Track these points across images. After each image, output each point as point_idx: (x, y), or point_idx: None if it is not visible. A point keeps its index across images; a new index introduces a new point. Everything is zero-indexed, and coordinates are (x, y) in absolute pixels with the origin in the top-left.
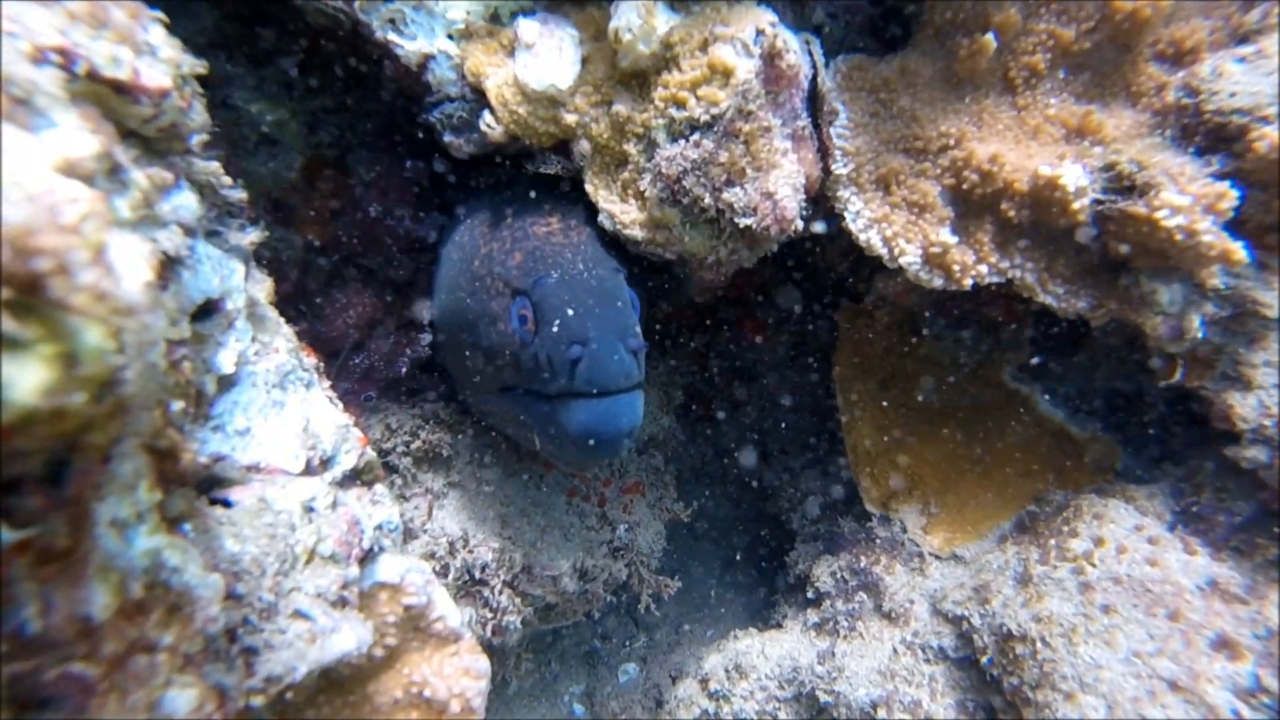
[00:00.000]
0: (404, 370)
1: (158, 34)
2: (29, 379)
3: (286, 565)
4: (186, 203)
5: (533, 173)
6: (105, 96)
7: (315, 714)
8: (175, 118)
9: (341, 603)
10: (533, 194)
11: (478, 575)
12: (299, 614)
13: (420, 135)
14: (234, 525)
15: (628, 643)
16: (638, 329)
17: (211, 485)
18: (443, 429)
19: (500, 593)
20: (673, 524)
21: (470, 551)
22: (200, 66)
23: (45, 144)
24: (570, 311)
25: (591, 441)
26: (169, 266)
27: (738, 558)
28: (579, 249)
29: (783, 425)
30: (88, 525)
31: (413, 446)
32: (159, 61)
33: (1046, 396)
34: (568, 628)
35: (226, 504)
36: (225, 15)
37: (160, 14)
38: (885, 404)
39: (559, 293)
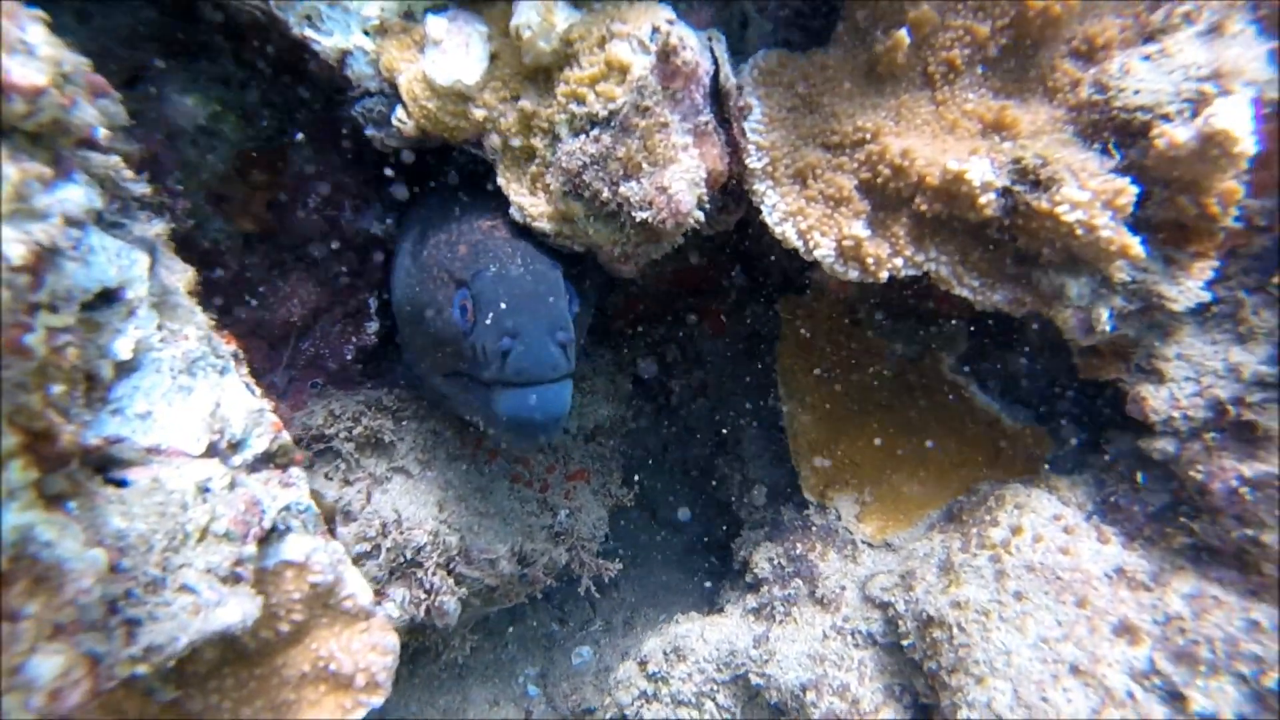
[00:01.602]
0: (350, 358)
1: (36, 33)
2: None
3: (176, 542)
4: (73, 195)
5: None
6: None
7: (218, 684)
8: (56, 114)
9: (234, 579)
10: (477, 192)
11: (410, 556)
12: (185, 588)
13: (356, 130)
14: (124, 504)
15: (584, 627)
16: (568, 323)
17: (109, 465)
18: (385, 415)
19: (434, 574)
20: (623, 510)
21: (403, 533)
22: (84, 64)
23: None
24: (503, 305)
25: (520, 427)
26: (45, 257)
27: (696, 546)
28: (517, 245)
29: (735, 415)
30: None
31: (355, 432)
32: (35, 60)
33: (981, 388)
34: (526, 612)
35: (123, 484)
36: (160, 11)
37: (40, 13)
38: (825, 394)
39: (494, 286)
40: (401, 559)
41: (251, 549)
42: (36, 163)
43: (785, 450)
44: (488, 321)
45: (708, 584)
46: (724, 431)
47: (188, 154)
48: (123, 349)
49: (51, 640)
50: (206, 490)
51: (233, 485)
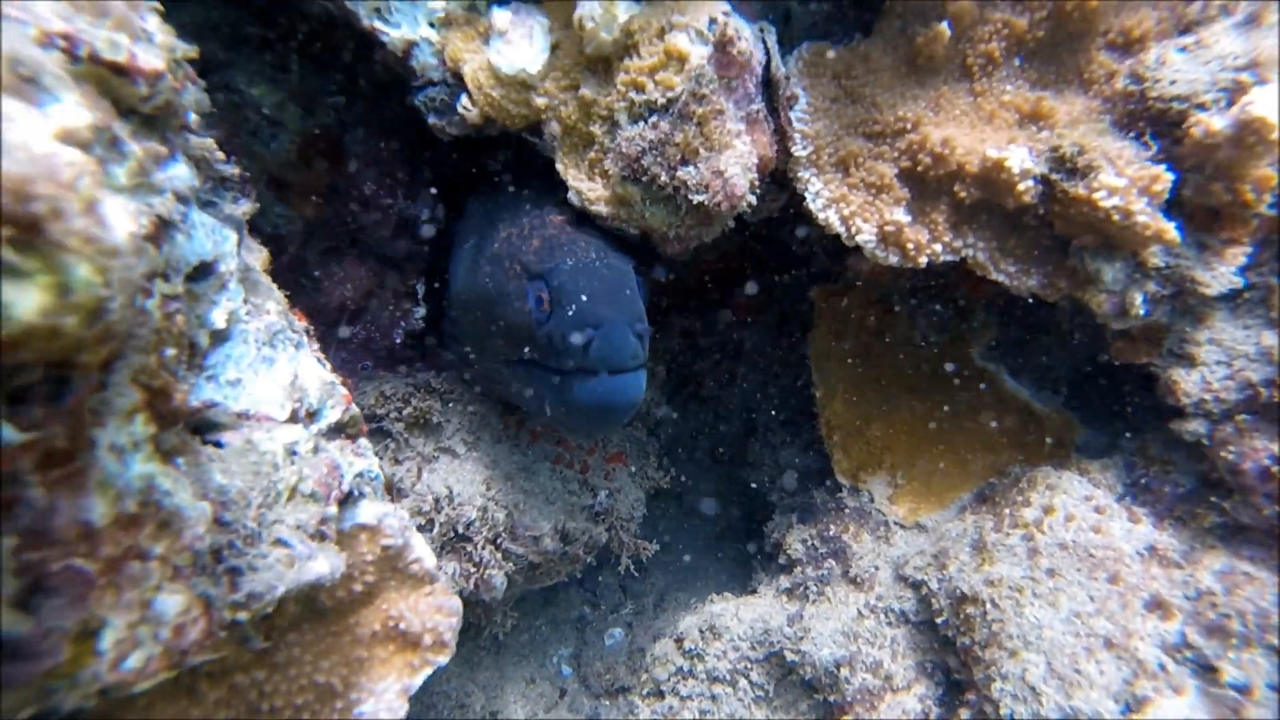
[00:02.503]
0: (399, 341)
1: (153, 21)
2: (29, 301)
3: (269, 499)
4: (181, 174)
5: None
6: (105, 77)
7: (298, 638)
8: (170, 97)
9: (320, 536)
10: (540, 185)
11: (461, 531)
12: (279, 541)
13: (414, 120)
14: (223, 462)
15: (616, 609)
16: (643, 314)
17: (205, 429)
18: (434, 397)
19: (483, 548)
20: (657, 493)
21: (455, 509)
22: (191, 51)
23: (48, 116)
24: (584, 297)
25: (600, 413)
26: (162, 228)
27: (724, 530)
28: (590, 239)
29: (767, 401)
30: (86, 440)
31: (405, 413)
32: (154, 46)
33: (1014, 374)
34: (559, 594)
35: (218, 445)
36: (228, 4)
37: (156, 4)
38: (857, 379)
39: (574, 279)
40: (452, 533)
41: (333, 509)
42: (153, 142)
43: (815, 436)
44: (570, 313)
45: (737, 566)
46: (753, 417)
47: (251, 142)
48: (218, 319)
49: (172, 581)
50: (294, 453)
51: (316, 450)
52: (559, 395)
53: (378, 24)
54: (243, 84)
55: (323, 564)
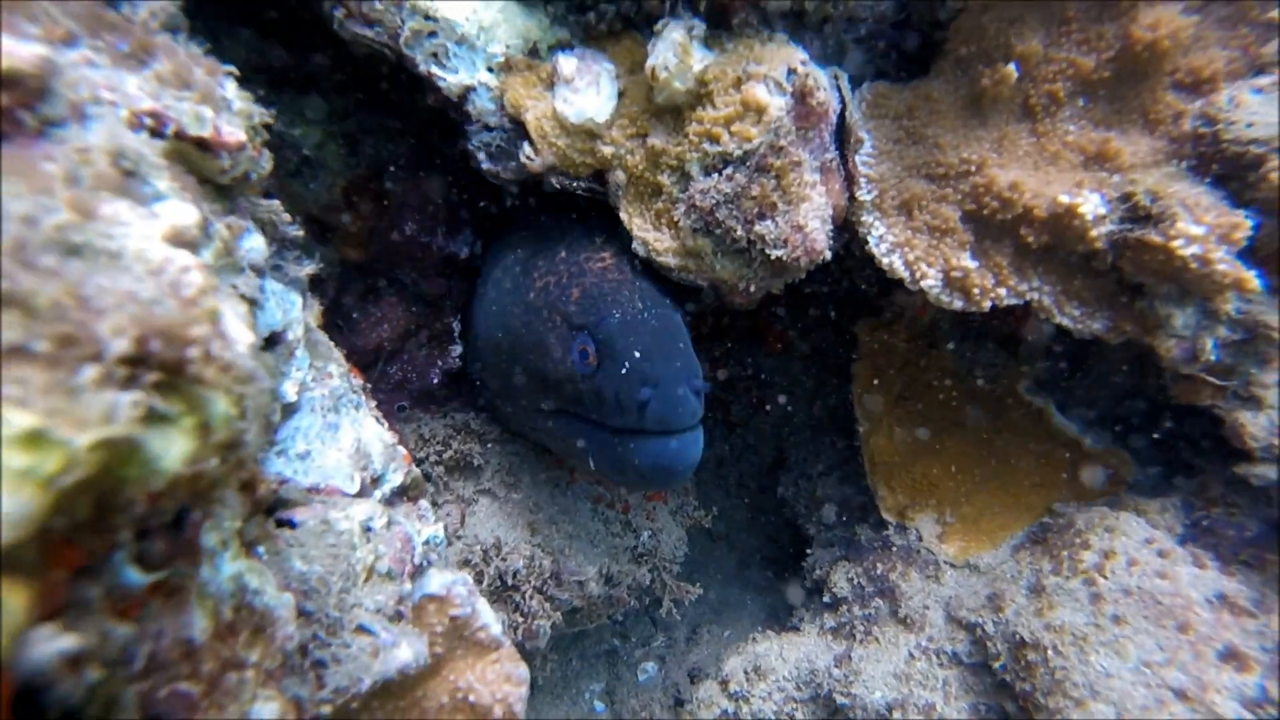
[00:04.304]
0: (436, 380)
1: (231, 88)
2: (175, 450)
3: (349, 583)
4: (256, 245)
5: (568, 192)
6: (189, 153)
7: (369, 717)
8: (248, 167)
9: (398, 616)
10: (576, 223)
11: (510, 581)
12: (362, 629)
13: (454, 158)
14: (301, 546)
15: (647, 642)
16: (699, 370)
17: (276, 507)
18: (473, 439)
19: (531, 598)
20: (697, 530)
21: (503, 559)
22: (268, 116)
23: (156, 216)
24: (637, 354)
25: (658, 475)
26: (250, 311)
27: (753, 561)
28: (635, 286)
29: (799, 433)
30: (197, 559)
31: (445, 456)
32: (234, 115)
33: (1060, 410)
34: (588, 629)
35: (291, 524)
36: (270, 42)
37: (232, 68)
38: (902, 414)
39: (625, 334)
40: (500, 583)
41: (409, 586)
42: (234, 216)
43: (853, 468)
44: (624, 371)
45: (775, 595)
46: (783, 448)
47: (290, 183)
48: (290, 392)
49: (264, 686)
50: (369, 529)
51: (389, 524)
52: (613, 454)
53: (434, 69)
54: (283, 124)
55: (406, 652)
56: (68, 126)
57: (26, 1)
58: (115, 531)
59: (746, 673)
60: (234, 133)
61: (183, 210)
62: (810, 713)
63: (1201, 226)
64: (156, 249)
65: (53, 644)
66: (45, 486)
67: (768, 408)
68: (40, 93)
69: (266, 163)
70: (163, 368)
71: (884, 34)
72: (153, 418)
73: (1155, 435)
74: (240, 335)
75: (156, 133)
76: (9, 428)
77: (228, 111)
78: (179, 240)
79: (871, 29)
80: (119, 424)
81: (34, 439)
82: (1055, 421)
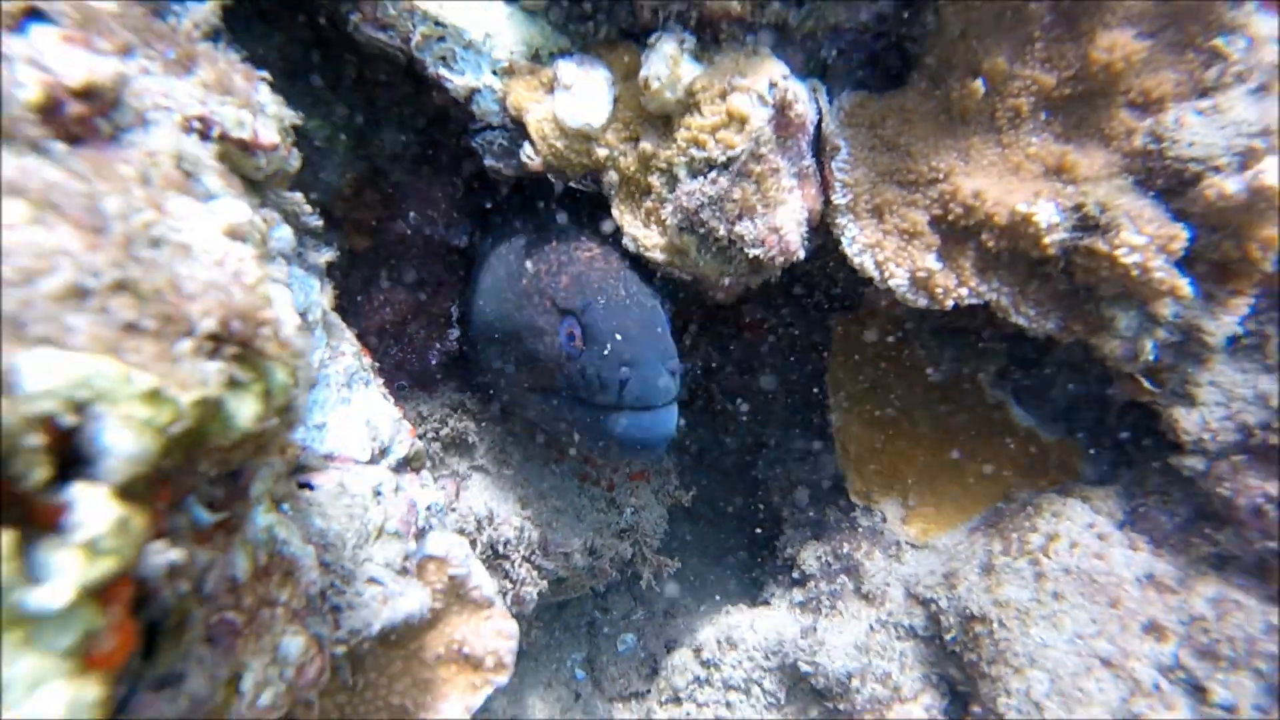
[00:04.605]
0: (434, 361)
1: (265, 93)
2: (247, 410)
3: (361, 540)
4: (285, 235)
5: (562, 188)
6: (232, 153)
7: (374, 663)
8: (280, 165)
9: (404, 571)
10: (563, 216)
11: (500, 550)
12: (373, 580)
13: (456, 152)
14: (319, 506)
15: (627, 615)
16: (675, 352)
17: (296, 470)
18: (469, 417)
19: (519, 566)
20: (676, 508)
21: (495, 529)
22: (297, 119)
23: (214, 213)
24: (619, 336)
25: (636, 448)
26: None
27: (731, 539)
28: (619, 275)
29: (777, 419)
30: (249, 509)
31: (442, 433)
32: (269, 118)
33: (1018, 403)
34: (572, 600)
35: (310, 486)
36: (287, 39)
37: (265, 74)
38: (873, 405)
39: (608, 318)
40: (491, 551)
41: (414, 545)
42: (268, 209)
43: (826, 454)
44: (605, 352)
45: (751, 572)
46: (762, 433)
47: (303, 174)
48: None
49: (291, 623)
50: (379, 494)
51: (396, 490)
52: (595, 429)
53: (443, 71)
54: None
55: (412, 602)
56: (134, 131)
57: (99, 16)
58: (196, 476)
59: (719, 642)
60: (269, 135)
61: (236, 207)
62: (777, 680)
63: (1143, 237)
64: (218, 242)
65: (164, 556)
66: (160, 433)
67: (747, 395)
68: (114, 102)
69: (295, 161)
70: (239, 343)
71: (865, 45)
72: (231, 383)
73: (1105, 426)
74: (289, 317)
75: (204, 135)
76: (134, 386)
77: (263, 115)
78: (234, 234)
79: (853, 40)
80: (210, 387)
81: (152, 396)
82: (1013, 414)
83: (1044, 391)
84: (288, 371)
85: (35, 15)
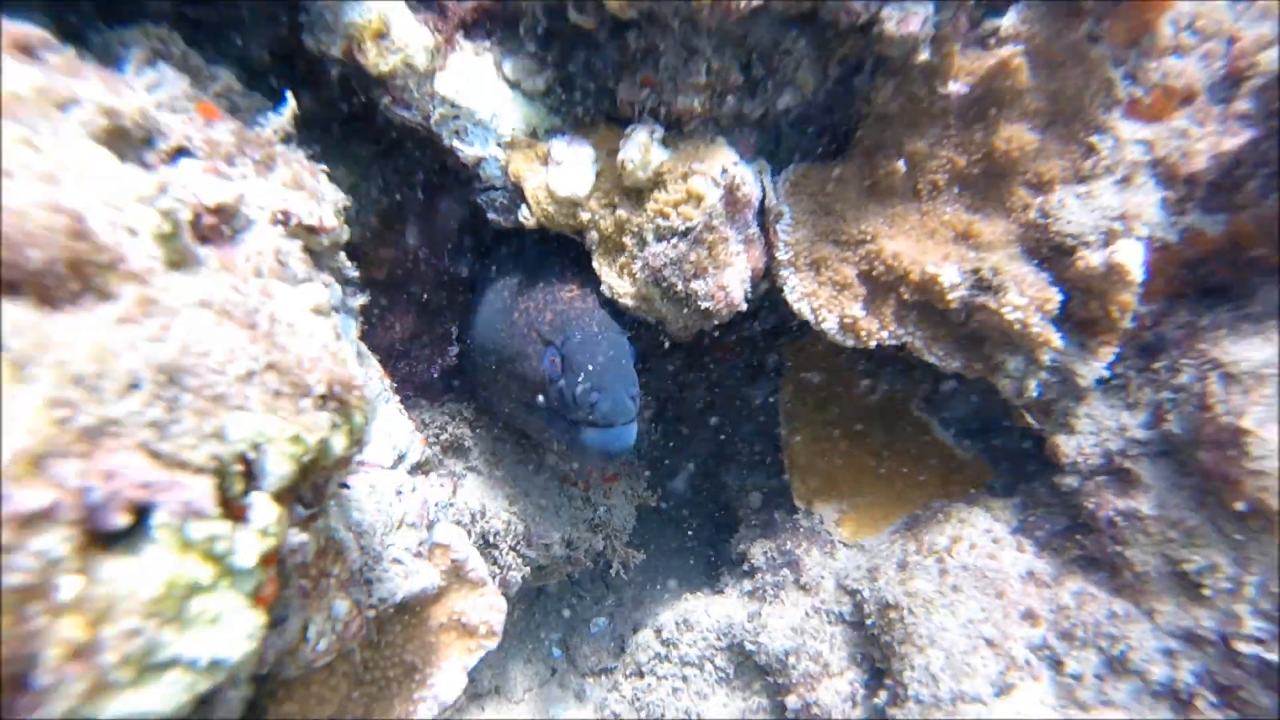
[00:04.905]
0: (435, 375)
1: (324, 183)
2: (340, 444)
3: (387, 529)
4: (336, 291)
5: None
6: (302, 233)
7: (390, 628)
8: (335, 238)
9: (419, 555)
10: (553, 258)
11: (490, 540)
12: (396, 560)
13: (460, 201)
14: (356, 502)
15: (599, 601)
16: (635, 380)
17: None
18: (465, 425)
19: (506, 554)
20: (642, 507)
21: (486, 522)
22: (347, 201)
23: (303, 294)
24: (590, 366)
25: (602, 456)
26: None
27: (694, 536)
28: (593, 314)
29: (738, 430)
30: (326, 507)
31: (441, 438)
32: (328, 203)
33: (942, 424)
34: (548, 588)
35: (346, 486)
36: (321, 102)
37: (324, 167)
38: (816, 423)
39: (582, 350)
40: (482, 541)
41: (426, 534)
42: (324, 272)
43: (778, 462)
44: (580, 378)
45: (704, 565)
46: (724, 441)
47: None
48: None
49: (339, 590)
50: (399, 493)
51: (413, 489)
52: (570, 439)
53: (455, 143)
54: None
55: (426, 579)
56: (245, 231)
57: (220, 145)
58: (304, 485)
59: (677, 624)
60: (330, 219)
61: (318, 290)
62: (726, 658)
63: (1025, 298)
64: (309, 319)
65: (296, 538)
66: (296, 461)
67: (715, 408)
68: (234, 212)
69: (345, 234)
70: (337, 400)
71: (813, 121)
72: (333, 426)
73: (1010, 447)
74: (359, 373)
75: (284, 224)
76: (284, 432)
77: (325, 201)
78: (318, 311)
79: (800, 119)
80: (323, 430)
81: (295, 439)
82: (936, 433)
83: (965, 415)
84: (363, 415)
85: (182, 152)
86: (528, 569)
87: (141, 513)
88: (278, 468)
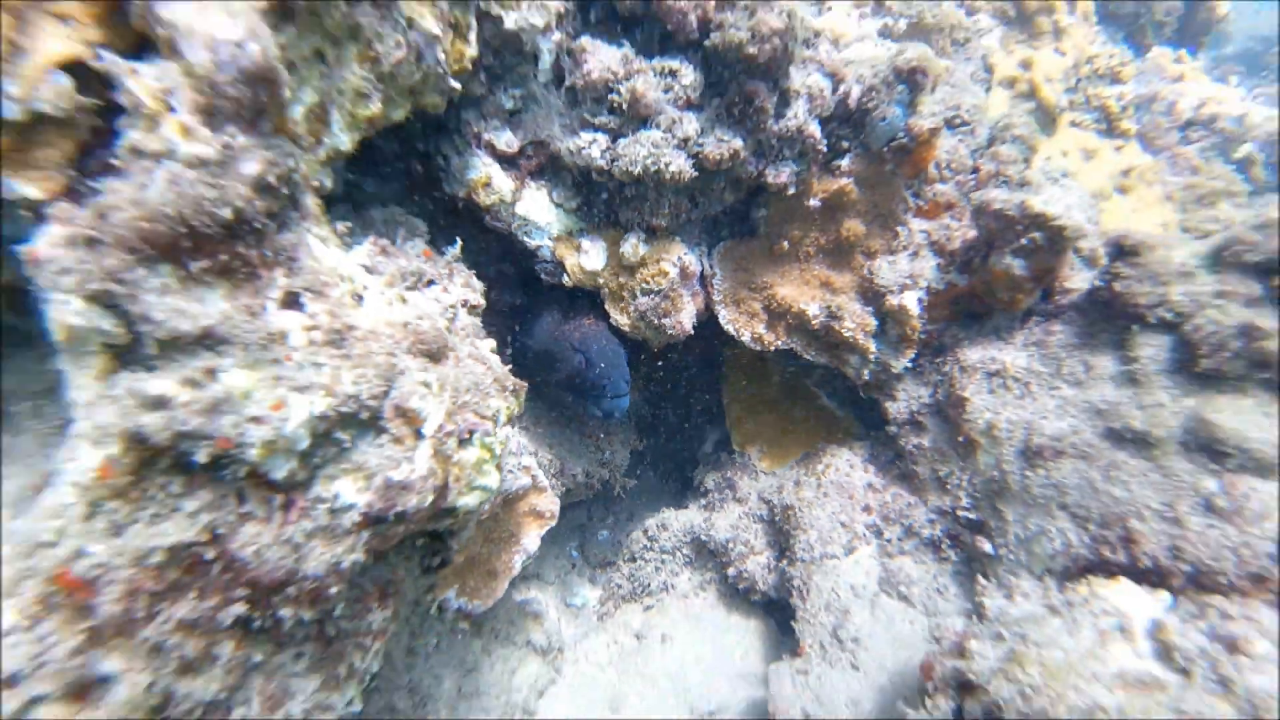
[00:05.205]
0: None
1: (474, 279)
2: (516, 409)
3: (507, 454)
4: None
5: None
6: (473, 310)
7: (496, 512)
8: (479, 310)
9: (514, 470)
10: (581, 302)
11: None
12: (510, 471)
13: (519, 264)
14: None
15: (603, 519)
16: (628, 372)
17: None
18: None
19: (548, 480)
20: (635, 452)
21: (535, 458)
22: (480, 297)
23: (485, 343)
24: (603, 364)
25: (609, 413)
26: None
27: (669, 473)
28: (605, 334)
29: (698, 399)
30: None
31: None
32: (478, 290)
33: (828, 395)
34: (568, 511)
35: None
36: (411, 196)
37: (474, 272)
38: (746, 396)
39: (599, 355)
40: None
41: (519, 459)
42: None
43: (722, 420)
44: (597, 371)
45: (675, 495)
46: (690, 408)
47: None
48: None
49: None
50: (506, 440)
51: (510, 437)
52: (590, 406)
53: (525, 238)
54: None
55: (522, 481)
56: (458, 313)
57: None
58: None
59: (658, 526)
60: (480, 300)
61: (489, 344)
62: (690, 548)
63: (854, 324)
64: (492, 354)
65: (442, 522)
66: (509, 415)
67: (682, 384)
68: (452, 319)
69: (483, 303)
70: (513, 390)
71: (735, 215)
72: (514, 399)
73: (871, 410)
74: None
75: (466, 305)
76: (504, 404)
77: (477, 290)
78: (493, 350)
79: (725, 214)
80: (513, 402)
81: (507, 407)
82: (823, 401)
83: (840, 389)
84: (520, 396)
85: (432, 281)
86: (562, 490)
87: (471, 432)
88: (503, 419)
